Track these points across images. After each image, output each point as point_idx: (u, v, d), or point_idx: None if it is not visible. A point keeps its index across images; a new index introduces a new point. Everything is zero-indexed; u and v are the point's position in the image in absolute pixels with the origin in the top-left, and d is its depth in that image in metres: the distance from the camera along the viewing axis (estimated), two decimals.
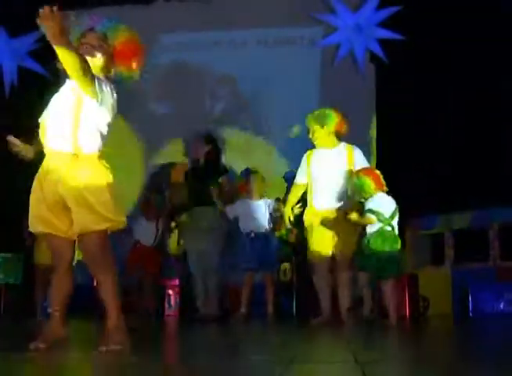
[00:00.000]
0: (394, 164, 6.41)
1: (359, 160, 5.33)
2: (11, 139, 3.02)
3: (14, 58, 7.96)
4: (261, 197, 5.99)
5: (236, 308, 5.94)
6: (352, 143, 5.75)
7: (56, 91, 3.02)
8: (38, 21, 2.50)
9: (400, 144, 6.85)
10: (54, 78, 7.94)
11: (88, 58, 2.86)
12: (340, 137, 5.45)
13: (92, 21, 2.99)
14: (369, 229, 4.90)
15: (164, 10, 7.14)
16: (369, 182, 4.95)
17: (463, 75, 6.71)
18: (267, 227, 5.88)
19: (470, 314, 6.16)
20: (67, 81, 2.96)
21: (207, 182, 5.88)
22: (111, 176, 2.91)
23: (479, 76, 6.64)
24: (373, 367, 2.23)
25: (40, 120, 3.00)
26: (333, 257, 5.23)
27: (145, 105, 7.72)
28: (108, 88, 2.89)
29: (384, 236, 4.83)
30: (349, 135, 5.86)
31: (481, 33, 6.58)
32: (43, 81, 7.80)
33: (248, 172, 6.12)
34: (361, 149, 5.76)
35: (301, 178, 5.46)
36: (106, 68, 2.98)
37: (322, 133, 5.35)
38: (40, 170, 2.91)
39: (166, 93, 7.83)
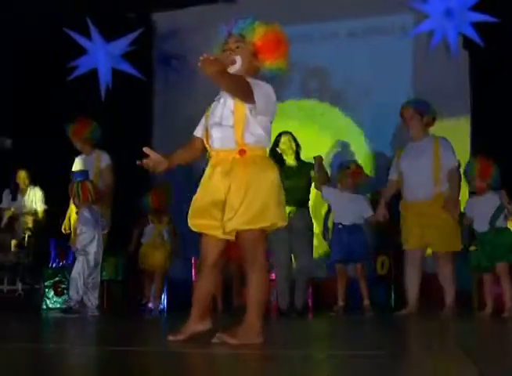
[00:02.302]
0: (491, 153, 6.21)
1: (444, 153, 5.36)
2: (147, 150, 3.04)
3: (109, 61, 8.18)
4: (355, 190, 5.96)
5: (333, 301, 5.95)
6: (447, 132, 5.70)
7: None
8: (200, 67, 2.69)
9: (497, 132, 6.63)
10: (148, 81, 8.20)
11: (230, 67, 2.95)
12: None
13: (228, 26, 3.05)
14: None
15: (253, 6, 7.22)
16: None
17: None
18: (356, 222, 5.87)
19: None
20: None
21: (300, 181, 5.79)
22: (277, 174, 2.97)
23: None
24: (488, 365, 2.18)
25: (196, 132, 3.15)
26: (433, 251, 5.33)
27: None
28: (264, 89, 2.94)
29: None
30: (444, 125, 5.79)
31: None
32: (137, 84, 8.04)
33: (343, 166, 6.12)
34: (455, 138, 5.69)
35: (391, 175, 5.67)
36: (251, 68, 3.02)
37: (419, 123, 5.41)
38: (207, 171, 3.01)
39: None
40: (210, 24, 7.07)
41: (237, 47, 2.99)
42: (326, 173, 6.04)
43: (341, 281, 5.86)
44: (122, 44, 8.12)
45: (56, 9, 7.66)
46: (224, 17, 6.93)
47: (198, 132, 3.16)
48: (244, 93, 2.88)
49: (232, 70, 2.97)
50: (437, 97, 6.10)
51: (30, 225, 7.23)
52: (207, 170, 3.01)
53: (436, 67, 7.15)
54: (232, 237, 2.94)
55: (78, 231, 5.73)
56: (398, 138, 7.03)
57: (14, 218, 7.28)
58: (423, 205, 5.31)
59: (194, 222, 3.00)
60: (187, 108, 7.40)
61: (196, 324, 3.04)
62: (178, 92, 8.05)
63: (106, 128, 6.63)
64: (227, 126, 2.95)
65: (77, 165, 6.30)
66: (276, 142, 5.87)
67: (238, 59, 2.98)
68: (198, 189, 3.02)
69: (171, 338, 2.98)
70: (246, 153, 2.91)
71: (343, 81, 7.54)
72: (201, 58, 2.67)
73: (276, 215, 2.91)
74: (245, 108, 2.93)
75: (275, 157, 5.82)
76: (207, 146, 3.07)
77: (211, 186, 2.95)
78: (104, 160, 6.24)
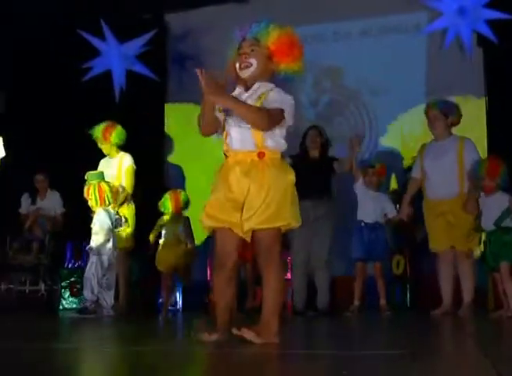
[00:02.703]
0: (507, 151, 6.18)
1: (469, 152, 5.40)
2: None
3: (123, 62, 8.20)
4: (377, 189, 6.00)
5: (347, 299, 5.94)
6: (463, 131, 5.70)
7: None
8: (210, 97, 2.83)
9: None
10: (162, 81, 8.21)
11: (246, 70, 2.98)
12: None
13: (242, 31, 3.04)
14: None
15: (265, 6, 7.23)
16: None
17: None
18: (378, 220, 5.89)
19: None
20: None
21: (322, 174, 5.82)
22: (293, 177, 2.99)
23: None
24: (507, 365, 2.17)
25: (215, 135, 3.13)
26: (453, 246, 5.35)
27: None
28: (288, 100, 2.96)
29: None
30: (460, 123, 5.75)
31: None
32: (151, 85, 8.05)
33: (367, 164, 6.15)
34: (471, 136, 5.67)
35: (415, 173, 5.67)
36: (266, 71, 3.02)
37: (443, 123, 5.43)
38: (224, 171, 2.99)
39: None
40: (224, 24, 7.08)
41: (252, 50, 2.98)
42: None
43: (359, 280, 5.88)
44: (136, 45, 8.13)
45: (70, 10, 7.70)
46: (236, 17, 6.98)
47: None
48: (264, 124, 2.91)
49: (247, 72, 2.99)
50: (451, 95, 6.09)
51: (50, 228, 7.30)
52: (224, 170, 3.00)
53: (450, 65, 7.11)
54: (248, 238, 2.94)
55: (94, 232, 5.77)
56: (412, 136, 7.01)
57: (34, 222, 7.37)
58: (446, 204, 5.36)
59: (212, 219, 2.96)
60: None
61: (226, 323, 2.98)
62: (191, 92, 8.04)
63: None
64: (245, 127, 2.96)
65: (102, 167, 6.30)
66: (304, 136, 5.90)
67: (253, 62, 2.98)
68: (216, 189, 3.00)
69: (205, 337, 2.94)
70: (265, 156, 2.93)
71: (356, 80, 7.51)
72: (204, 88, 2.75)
73: (291, 215, 2.93)
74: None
75: (301, 150, 5.88)
76: (224, 144, 3.06)
77: (230, 186, 2.94)
78: (126, 161, 6.24)
